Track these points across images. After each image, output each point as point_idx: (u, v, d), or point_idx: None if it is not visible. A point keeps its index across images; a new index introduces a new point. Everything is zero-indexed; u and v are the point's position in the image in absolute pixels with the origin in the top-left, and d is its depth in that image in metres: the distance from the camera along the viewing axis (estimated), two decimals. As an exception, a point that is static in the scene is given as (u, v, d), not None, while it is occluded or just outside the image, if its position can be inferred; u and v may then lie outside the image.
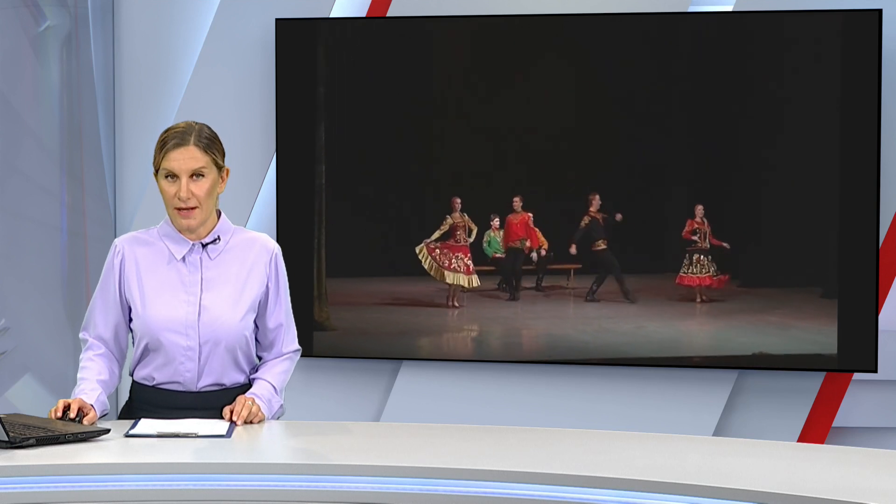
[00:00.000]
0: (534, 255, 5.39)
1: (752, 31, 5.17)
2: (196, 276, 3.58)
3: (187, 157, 3.49)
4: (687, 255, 5.27)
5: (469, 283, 5.43)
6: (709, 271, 5.25)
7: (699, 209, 5.24)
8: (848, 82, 5.09)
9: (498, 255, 5.41)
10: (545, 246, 5.38)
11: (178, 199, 3.51)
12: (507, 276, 5.42)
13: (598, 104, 5.29)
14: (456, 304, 5.45)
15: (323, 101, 5.43)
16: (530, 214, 5.37)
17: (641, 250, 5.33)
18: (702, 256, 5.26)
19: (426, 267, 5.43)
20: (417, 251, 5.44)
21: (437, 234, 5.42)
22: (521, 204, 5.37)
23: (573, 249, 5.33)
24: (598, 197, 5.28)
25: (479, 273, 5.43)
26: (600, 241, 5.31)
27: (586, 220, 5.30)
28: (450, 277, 5.43)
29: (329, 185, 5.45)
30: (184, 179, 3.50)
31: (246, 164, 5.42)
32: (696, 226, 5.25)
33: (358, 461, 3.14)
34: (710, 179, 5.24)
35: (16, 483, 3.02)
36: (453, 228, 5.41)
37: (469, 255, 5.41)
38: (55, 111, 5.51)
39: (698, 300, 5.28)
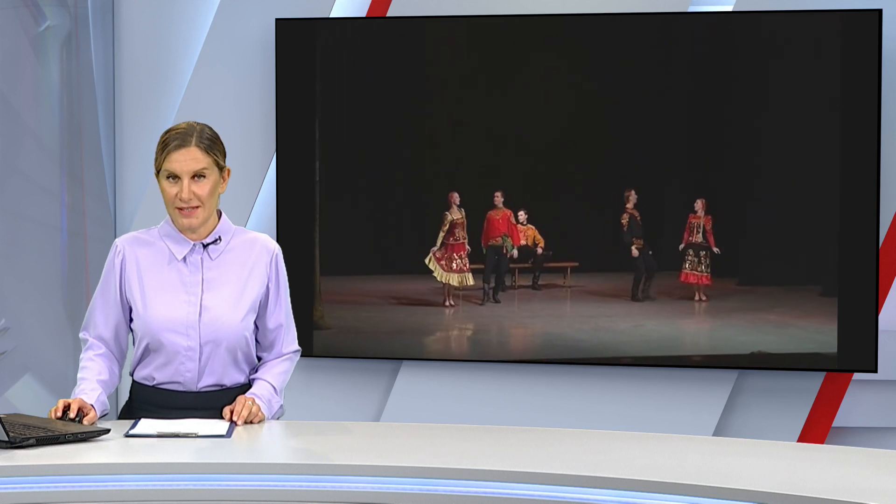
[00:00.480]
0: (514, 252, 5.37)
1: (752, 31, 5.17)
2: (197, 276, 3.58)
3: (189, 159, 3.49)
4: (688, 252, 5.27)
5: (467, 282, 5.42)
6: (707, 269, 5.25)
7: (699, 204, 5.23)
8: (848, 82, 5.09)
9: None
10: (541, 244, 5.37)
11: (180, 199, 3.51)
12: (487, 275, 5.40)
13: (598, 104, 5.29)
14: (451, 302, 5.45)
15: (323, 100, 5.44)
16: (525, 214, 5.36)
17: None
18: (694, 252, 5.25)
19: (437, 276, 5.42)
20: (427, 262, 5.43)
21: (440, 238, 5.41)
22: (503, 200, 5.36)
23: (635, 252, 5.29)
24: (633, 193, 5.25)
25: (475, 271, 5.43)
26: (637, 240, 5.28)
27: (625, 217, 5.27)
28: (454, 279, 5.42)
29: (329, 185, 5.45)
30: (185, 180, 3.50)
31: (246, 164, 5.42)
32: (695, 220, 5.24)
33: (358, 461, 3.14)
34: (710, 179, 5.24)
35: (16, 483, 3.02)
36: (453, 226, 5.41)
37: (465, 251, 5.41)
38: (55, 111, 5.51)
39: (697, 298, 5.28)
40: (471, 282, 5.43)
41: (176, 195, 3.51)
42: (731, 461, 3.17)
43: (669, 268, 5.30)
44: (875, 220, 5.10)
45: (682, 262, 5.28)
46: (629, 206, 5.27)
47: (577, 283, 5.37)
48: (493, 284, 5.41)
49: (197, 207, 3.52)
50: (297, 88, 5.44)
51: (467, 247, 5.41)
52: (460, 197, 5.39)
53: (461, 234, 5.41)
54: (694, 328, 5.29)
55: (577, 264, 5.37)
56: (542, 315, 5.39)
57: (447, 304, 5.45)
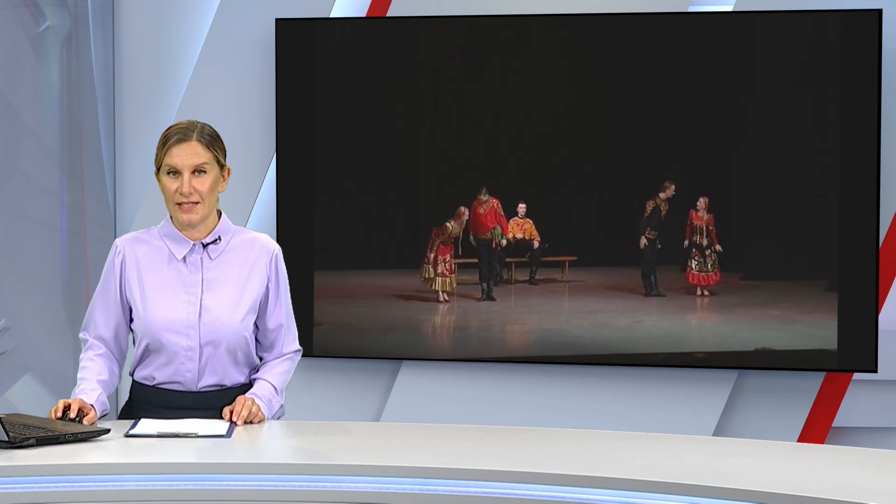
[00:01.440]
0: (503, 241, 5.36)
1: (752, 31, 5.17)
2: (197, 276, 3.58)
3: (190, 153, 3.50)
4: (693, 251, 5.26)
5: (453, 284, 5.40)
6: (712, 268, 5.24)
7: (702, 202, 5.23)
8: (848, 82, 5.09)
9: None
10: (537, 238, 5.36)
11: (181, 194, 3.51)
12: (484, 273, 5.39)
13: (598, 104, 5.29)
14: (446, 298, 5.44)
15: (323, 100, 5.43)
16: (524, 206, 5.34)
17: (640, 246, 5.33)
18: (699, 251, 5.24)
19: (429, 285, 5.42)
20: (424, 274, 5.42)
21: (436, 246, 5.40)
22: (487, 191, 5.35)
23: (643, 242, 5.27)
24: (673, 186, 5.23)
25: (468, 266, 5.42)
26: (651, 231, 5.25)
27: (651, 204, 5.24)
28: (439, 283, 5.41)
29: (329, 185, 5.45)
30: (186, 175, 3.50)
31: (246, 164, 5.42)
32: (697, 221, 5.24)
33: (358, 461, 3.14)
34: (710, 179, 5.24)
35: (16, 483, 3.02)
36: (449, 236, 5.40)
37: (450, 254, 5.40)
38: (55, 111, 5.51)
39: (699, 294, 5.28)
40: (454, 285, 5.42)
41: (176, 190, 3.51)
42: (731, 461, 3.17)
43: (669, 263, 5.29)
44: (875, 220, 5.10)
45: (689, 260, 5.26)
46: (662, 195, 5.23)
47: (576, 278, 5.37)
48: (487, 282, 5.39)
49: (197, 203, 3.52)
50: (297, 88, 5.44)
51: (452, 248, 5.40)
52: (464, 200, 5.38)
53: (450, 241, 5.40)
54: (696, 324, 5.28)
55: (575, 258, 5.36)
56: (540, 311, 5.38)
57: (441, 299, 5.44)
